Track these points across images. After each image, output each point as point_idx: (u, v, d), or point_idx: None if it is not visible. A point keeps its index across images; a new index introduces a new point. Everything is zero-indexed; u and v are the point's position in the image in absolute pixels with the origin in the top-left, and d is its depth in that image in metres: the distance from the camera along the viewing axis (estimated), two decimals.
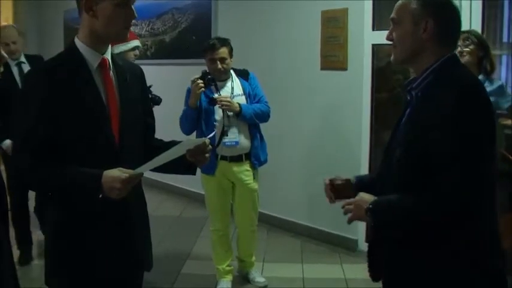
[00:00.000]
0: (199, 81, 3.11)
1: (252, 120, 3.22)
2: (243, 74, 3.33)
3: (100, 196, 1.56)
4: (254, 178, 3.35)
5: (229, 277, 3.50)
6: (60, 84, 1.61)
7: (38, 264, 3.73)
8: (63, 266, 1.71)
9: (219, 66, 3.19)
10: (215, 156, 3.22)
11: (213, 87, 3.23)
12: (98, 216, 1.66)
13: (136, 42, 3.59)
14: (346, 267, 3.83)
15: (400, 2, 1.62)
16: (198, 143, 1.71)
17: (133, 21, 1.67)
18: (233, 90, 3.26)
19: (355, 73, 4.05)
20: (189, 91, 3.23)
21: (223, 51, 3.19)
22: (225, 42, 3.24)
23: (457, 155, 1.41)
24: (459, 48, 2.82)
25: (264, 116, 3.29)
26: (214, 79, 3.19)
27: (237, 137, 3.22)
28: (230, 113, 3.17)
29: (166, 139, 1.88)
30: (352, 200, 1.60)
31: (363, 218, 1.54)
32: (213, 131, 3.11)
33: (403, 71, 4.24)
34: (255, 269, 3.63)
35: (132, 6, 1.65)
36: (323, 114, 4.14)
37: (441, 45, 1.56)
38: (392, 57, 1.66)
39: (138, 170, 1.57)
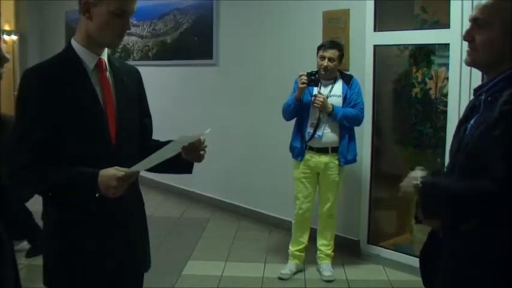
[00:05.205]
0: (304, 77, 3.45)
1: (342, 121, 3.51)
2: (346, 78, 3.63)
3: (97, 195, 1.56)
4: (338, 173, 3.61)
5: (295, 261, 3.73)
6: (57, 84, 1.62)
7: (36, 264, 3.73)
8: (62, 266, 1.71)
9: (326, 63, 3.51)
10: (305, 145, 3.60)
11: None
12: (96, 216, 1.67)
13: None
14: (348, 269, 3.82)
15: (489, 0, 1.43)
16: (192, 140, 1.72)
17: (134, 21, 1.67)
18: (332, 89, 3.59)
19: (356, 74, 4.03)
20: (296, 83, 3.57)
21: (333, 52, 3.52)
22: (337, 45, 3.58)
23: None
24: None
25: (355, 120, 3.55)
26: (318, 80, 3.51)
27: (320, 132, 3.55)
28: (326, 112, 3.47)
29: (166, 139, 1.88)
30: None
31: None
32: (307, 123, 3.56)
33: (404, 72, 4.24)
34: (326, 262, 3.71)
35: (129, 18, 1.65)
36: None
37: None
38: (467, 59, 1.50)
39: (134, 168, 1.59)
